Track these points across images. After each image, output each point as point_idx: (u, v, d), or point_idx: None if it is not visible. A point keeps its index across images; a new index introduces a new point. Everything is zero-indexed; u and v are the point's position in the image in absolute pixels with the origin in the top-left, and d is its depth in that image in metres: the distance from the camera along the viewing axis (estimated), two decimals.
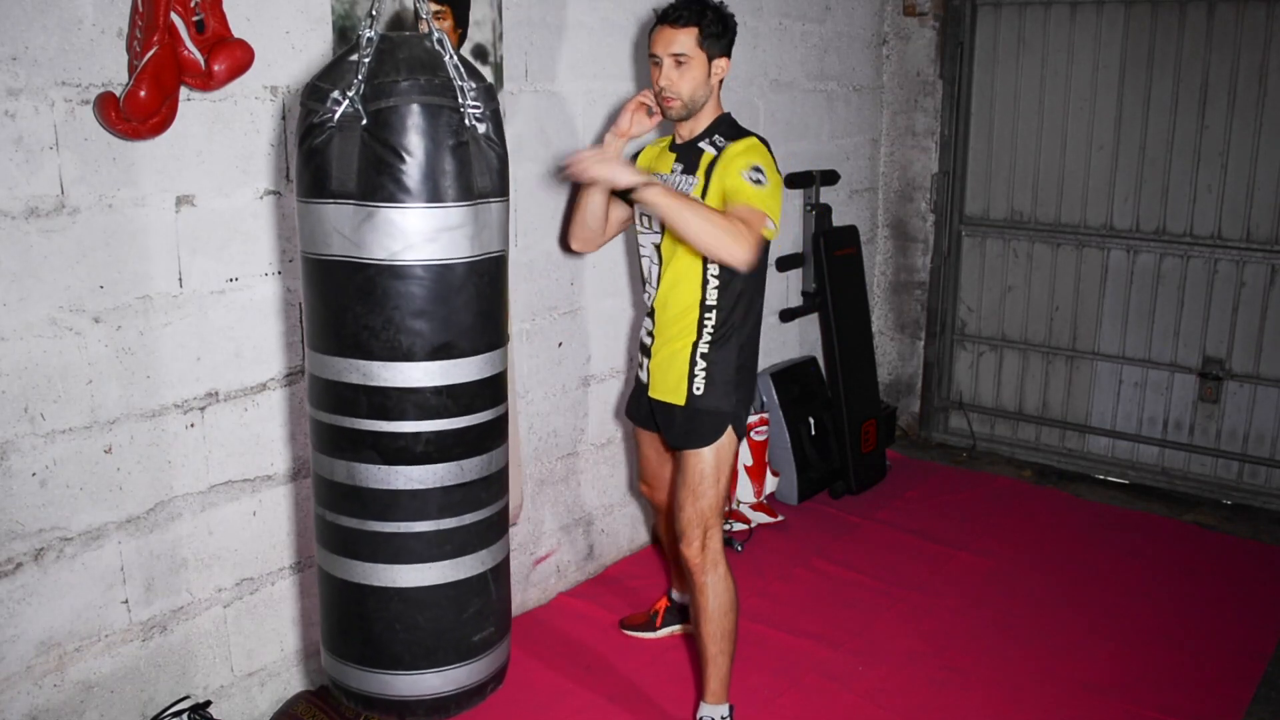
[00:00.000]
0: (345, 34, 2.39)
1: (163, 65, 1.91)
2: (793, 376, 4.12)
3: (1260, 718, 2.75)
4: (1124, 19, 4.06)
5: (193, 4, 1.95)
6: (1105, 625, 3.18)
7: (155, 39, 1.89)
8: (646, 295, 2.57)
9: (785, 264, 4.09)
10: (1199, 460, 4.23)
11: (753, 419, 3.85)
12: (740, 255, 2.19)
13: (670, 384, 2.50)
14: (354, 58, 1.58)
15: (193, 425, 2.30)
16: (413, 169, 1.56)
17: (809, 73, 4.07)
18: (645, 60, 3.26)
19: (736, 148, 2.38)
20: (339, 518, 1.70)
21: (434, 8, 2.52)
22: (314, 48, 2.37)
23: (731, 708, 2.60)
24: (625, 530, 3.59)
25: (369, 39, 1.57)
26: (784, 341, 4.24)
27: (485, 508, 1.74)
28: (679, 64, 2.34)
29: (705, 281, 2.42)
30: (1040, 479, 4.38)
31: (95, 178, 2.04)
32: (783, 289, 4.17)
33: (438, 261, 1.60)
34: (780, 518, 3.87)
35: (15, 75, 1.90)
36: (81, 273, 2.05)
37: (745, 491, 3.88)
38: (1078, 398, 4.46)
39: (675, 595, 3.11)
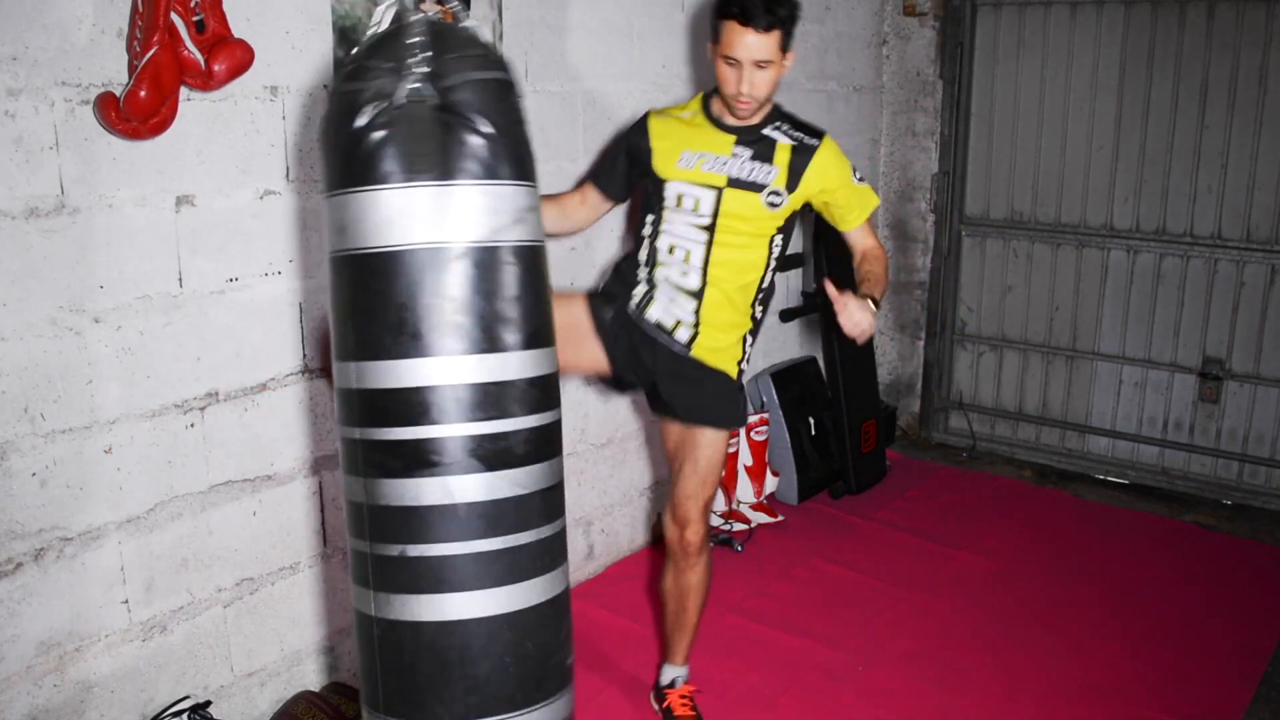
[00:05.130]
0: (345, 34, 2.39)
1: (163, 65, 1.91)
2: (793, 376, 4.12)
3: (1260, 718, 2.75)
4: (1124, 19, 4.06)
5: (193, 4, 1.95)
6: (1105, 625, 3.18)
7: (155, 39, 1.89)
8: (677, 273, 2.42)
9: (785, 264, 4.06)
10: (1199, 460, 4.23)
11: (753, 419, 3.86)
12: (867, 332, 2.33)
13: (723, 354, 2.48)
14: (408, 37, 1.47)
15: (193, 425, 2.30)
16: (498, 142, 1.46)
17: (809, 73, 4.07)
18: (644, 62, 3.27)
19: (831, 150, 2.42)
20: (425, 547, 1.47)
21: (435, 7, 2.52)
22: (314, 48, 2.37)
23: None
24: (625, 530, 3.59)
25: (418, 19, 1.49)
26: (784, 341, 4.24)
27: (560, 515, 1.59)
28: (760, 68, 2.25)
29: (768, 266, 2.46)
30: (1040, 479, 4.38)
31: (95, 178, 2.04)
32: (783, 289, 4.16)
33: (507, 244, 1.49)
34: (780, 518, 3.87)
35: (15, 75, 1.90)
36: (81, 273, 2.05)
37: (745, 491, 3.88)
38: (1078, 398, 4.46)
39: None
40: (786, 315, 4.15)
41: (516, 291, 1.49)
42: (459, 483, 1.45)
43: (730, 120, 2.39)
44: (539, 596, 1.51)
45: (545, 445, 1.53)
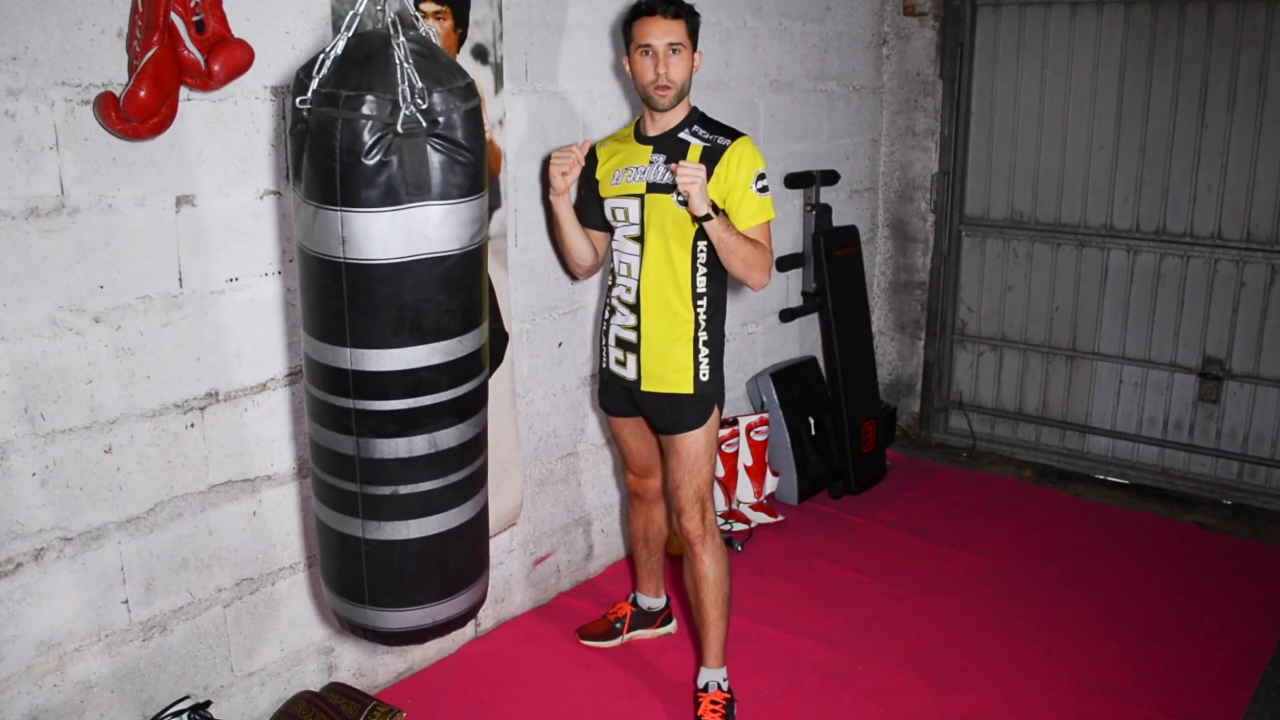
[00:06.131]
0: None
1: (163, 65, 1.91)
2: (793, 376, 4.12)
3: (1260, 718, 2.75)
4: (1124, 19, 4.06)
5: (193, 4, 1.95)
6: (1105, 625, 3.18)
7: (155, 39, 1.89)
8: (624, 289, 2.60)
9: (785, 264, 4.09)
10: (1199, 460, 4.23)
11: (753, 419, 3.86)
12: (765, 282, 2.49)
13: (672, 375, 2.56)
14: (395, 61, 1.61)
15: (193, 425, 2.30)
16: (477, 164, 1.70)
17: (809, 73, 4.07)
18: None
19: (740, 150, 2.48)
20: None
21: (434, 8, 2.52)
22: (314, 48, 2.36)
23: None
24: (625, 530, 3.59)
25: (401, 42, 1.61)
26: (784, 341, 4.24)
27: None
28: (674, 53, 2.43)
29: (694, 270, 2.53)
30: (1040, 479, 4.38)
31: (95, 178, 2.04)
32: (783, 289, 4.17)
33: (478, 244, 1.76)
34: (780, 518, 3.87)
35: (15, 75, 1.90)
36: (81, 273, 2.05)
37: (745, 491, 3.88)
38: (1078, 398, 4.46)
39: (641, 600, 3.08)
40: (786, 315, 4.15)
41: (478, 281, 1.78)
42: (444, 435, 1.79)
43: (651, 131, 2.54)
44: (484, 501, 1.93)
45: (485, 393, 1.89)
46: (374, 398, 1.73)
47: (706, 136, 2.51)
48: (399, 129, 1.60)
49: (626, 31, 2.49)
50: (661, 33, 2.41)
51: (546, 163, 2.59)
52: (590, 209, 2.65)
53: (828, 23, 4.14)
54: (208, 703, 2.36)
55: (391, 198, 1.63)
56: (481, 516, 1.93)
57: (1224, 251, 4.03)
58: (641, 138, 2.57)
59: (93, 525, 2.16)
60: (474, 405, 1.84)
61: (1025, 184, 4.41)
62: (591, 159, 2.65)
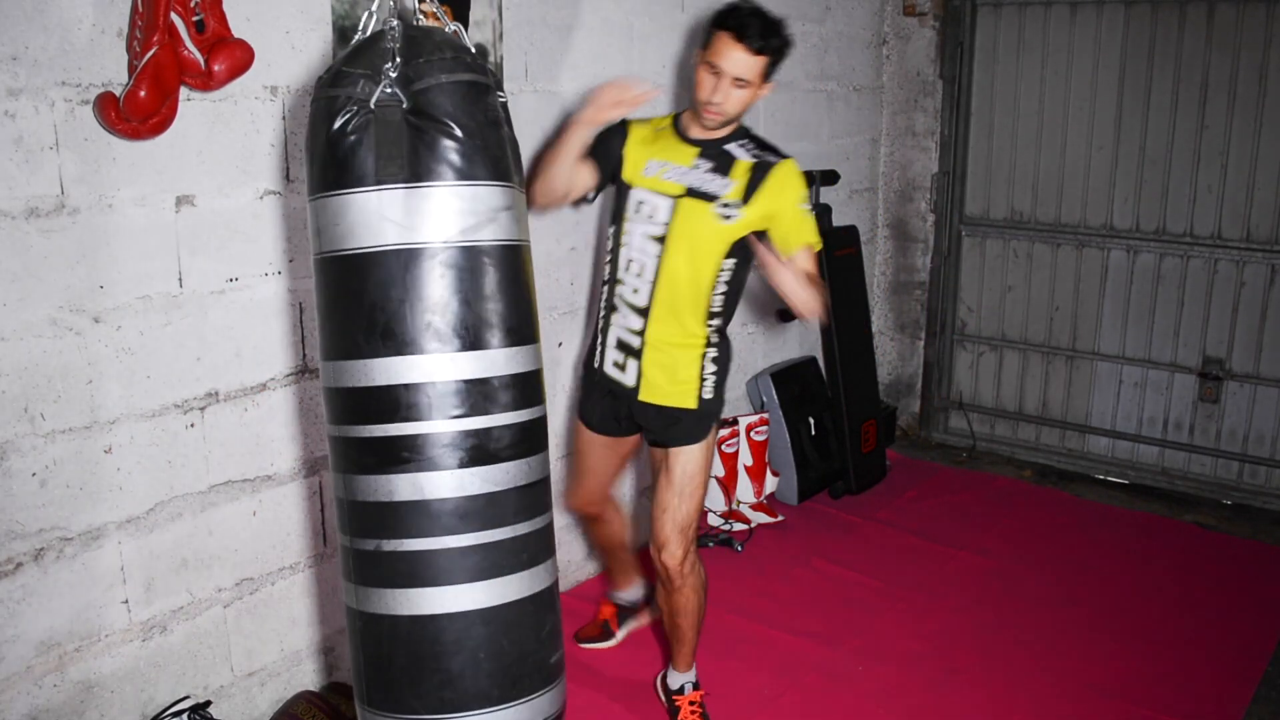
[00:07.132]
0: (345, 34, 2.39)
1: (163, 65, 1.91)
2: (793, 376, 4.12)
3: (1260, 718, 2.75)
4: (1124, 19, 4.06)
5: (193, 4, 1.95)
6: (1105, 625, 3.18)
7: (155, 39, 1.89)
8: (632, 290, 2.43)
9: None
10: (1199, 460, 4.23)
11: (753, 419, 3.86)
12: (819, 311, 2.36)
13: (676, 389, 2.45)
14: (383, 43, 1.49)
15: (193, 425, 2.30)
16: (475, 145, 1.47)
17: (809, 73, 4.07)
18: (644, 61, 3.26)
19: (787, 174, 2.40)
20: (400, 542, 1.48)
21: (431, 13, 2.51)
22: (314, 48, 2.37)
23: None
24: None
25: (393, 26, 1.50)
26: (784, 341, 4.24)
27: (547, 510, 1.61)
28: (738, 86, 2.30)
29: (715, 286, 2.42)
30: (1040, 479, 4.38)
31: (95, 178, 2.04)
32: None
33: (485, 244, 1.49)
34: (780, 518, 3.87)
35: (15, 75, 1.90)
36: (81, 273, 2.05)
37: (745, 491, 3.88)
38: (1078, 398, 4.46)
39: (620, 597, 3.07)
40: (786, 315, 4.14)
41: (489, 290, 1.49)
42: (432, 479, 1.46)
43: (696, 134, 2.41)
44: (516, 593, 1.50)
45: (523, 442, 1.53)
46: (350, 420, 1.48)
47: (756, 152, 2.40)
48: (372, 104, 1.45)
49: (708, 30, 2.32)
50: (735, 63, 2.26)
51: (600, 92, 2.31)
52: (607, 156, 2.45)
53: (828, 23, 4.14)
54: (208, 703, 2.36)
55: (359, 178, 1.44)
56: (513, 614, 1.50)
57: (1224, 251, 4.03)
58: (686, 137, 2.43)
59: (93, 525, 2.16)
60: (479, 451, 1.47)
61: (1025, 184, 4.41)
62: (622, 132, 2.47)
